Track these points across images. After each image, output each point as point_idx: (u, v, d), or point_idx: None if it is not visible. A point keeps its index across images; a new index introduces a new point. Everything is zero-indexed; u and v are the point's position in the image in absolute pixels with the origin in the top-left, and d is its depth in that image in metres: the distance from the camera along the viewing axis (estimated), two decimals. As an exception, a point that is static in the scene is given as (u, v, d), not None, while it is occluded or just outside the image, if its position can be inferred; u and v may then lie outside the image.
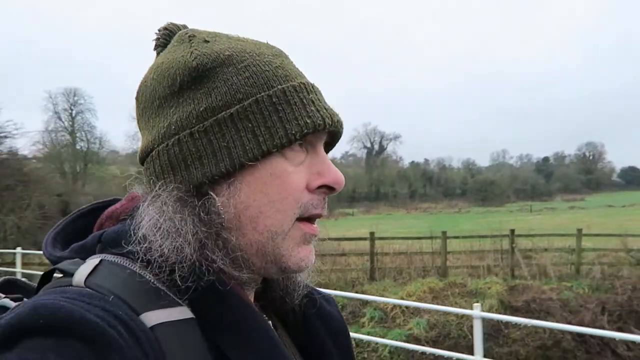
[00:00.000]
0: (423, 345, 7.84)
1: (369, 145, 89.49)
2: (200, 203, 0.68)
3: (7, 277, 0.75)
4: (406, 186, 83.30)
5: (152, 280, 0.63)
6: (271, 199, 0.69)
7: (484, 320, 5.45)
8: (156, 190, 0.69)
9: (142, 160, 0.76)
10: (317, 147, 0.74)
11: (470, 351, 6.58)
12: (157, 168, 0.71)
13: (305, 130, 0.69)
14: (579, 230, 13.19)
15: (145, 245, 0.64)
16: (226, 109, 0.69)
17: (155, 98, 0.73)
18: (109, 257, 0.65)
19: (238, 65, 0.72)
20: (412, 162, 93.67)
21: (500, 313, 9.38)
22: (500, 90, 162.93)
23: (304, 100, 0.71)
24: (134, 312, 0.58)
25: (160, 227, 0.65)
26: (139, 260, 0.64)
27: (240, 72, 0.71)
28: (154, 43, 0.80)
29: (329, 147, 0.81)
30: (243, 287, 0.73)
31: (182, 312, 0.62)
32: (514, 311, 9.51)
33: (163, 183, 0.70)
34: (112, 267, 0.63)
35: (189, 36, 0.76)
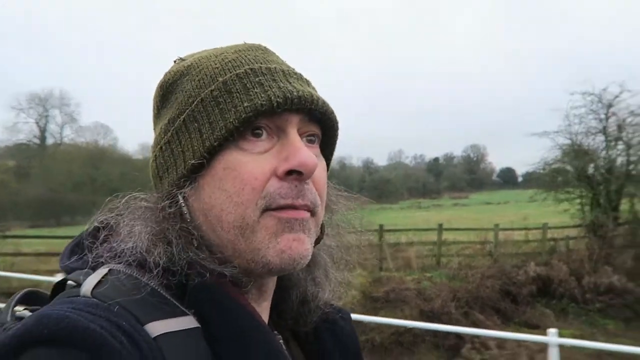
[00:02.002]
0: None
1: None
2: (173, 210, 0.68)
3: (28, 289, 0.73)
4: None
5: (158, 290, 0.63)
6: (229, 193, 0.66)
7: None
8: (134, 201, 0.71)
9: None
10: (288, 131, 0.69)
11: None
12: (151, 178, 0.77)
13: (244, 115, 0.65)
14: (440, 225, 14.40)
15: (130, 252, 0.65)
16: (181, 115, 0.71)
17: (153, 116, 0.80)
18: (117, 267, 0.65)
19: (193, 72, 0.73)
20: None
21: (361, 303, 10.00)
22: (400, 92, 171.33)
23: (248, 85, 0.68)
24: (138, 323, 0.57)
25: (137, 236, 0.66)
26: (146, 271, 0.64)
27: (193, 78, 0.72)
28: None
29: (329, 138, 0.77)
30: (248, 298, 0.70)
31: (187, 322, 0.62)
32: (374, 301, 10.16)
33: (142, 192, 0.73)
34: (119, 277, 0.63)
35: (175, 60, 0.80)
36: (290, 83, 0.69)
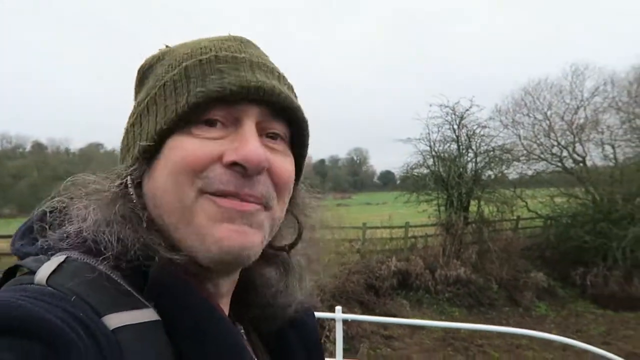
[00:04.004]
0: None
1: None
2: (121, 190, 0.66)
3: None
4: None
5: (118, 281, 0.60)
6: (169, 171, 0.64)
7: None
8: (93, 185, 0.68)
9: None
10: (244, 121, 0.66)
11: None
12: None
13: (194, 100, 0.64)
14: (312, 224, 15.04)
15: (75, 234, 0.62)
16: (146, 98, 0.71)
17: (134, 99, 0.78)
18: (75, 254, 0.61)
19: (167, 57, 0.73)
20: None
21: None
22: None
23: (207, 71, 0.66)
24: (96, 314, 0.54)
25: (85, 218, 0.63)
26: (104, 259, 0.60)
27: (164, 63, 0.72)
28: None
29: (299, 136, 0.74)
30: (209, 288, 0.68)
31: (147, 315, 0.58)
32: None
33: (106, 175, 0.69)
34: (77, 265, 0.59)
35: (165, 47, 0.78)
36: (253, 73, 0.67)
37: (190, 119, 0.65)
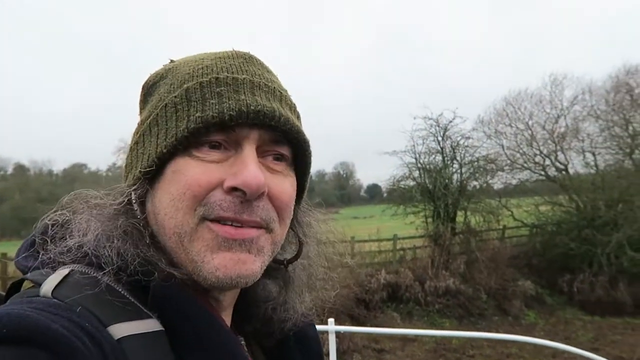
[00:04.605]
0: None
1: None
2: (123, 207, 0.67)
3: None
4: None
5: (121, 292, 0.61)
6: (172, 196, 0.64)
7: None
8: (95, 200, 0.69)
9: None
10: (244, 145, 0.66)
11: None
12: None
13: (194, 125, 0.64)
14: (300, 239, 15.00)
15: (76, 248, 0.63)
16: (148, 118, 0.70)
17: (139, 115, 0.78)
18: (79, 267, 0.62)
19: (170, 76, 0.72)
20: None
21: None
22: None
23: (207, 95, 0.65)
24: (101, 324, 0.55)
25: (91, 235, 0.64)
26: (105, 273, 0.61)
27: (167, 82, 0.72)
28: None
29: (301, 157, 0.73)
30: (211, 301, 0.69)
31: (151, 325, 0.60)
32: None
33: (108, 192, 0.71)
34: (81, 277, 0.60)
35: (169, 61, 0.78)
36: (253, 96, 0.67)
37: (190, 142, 0.66)
